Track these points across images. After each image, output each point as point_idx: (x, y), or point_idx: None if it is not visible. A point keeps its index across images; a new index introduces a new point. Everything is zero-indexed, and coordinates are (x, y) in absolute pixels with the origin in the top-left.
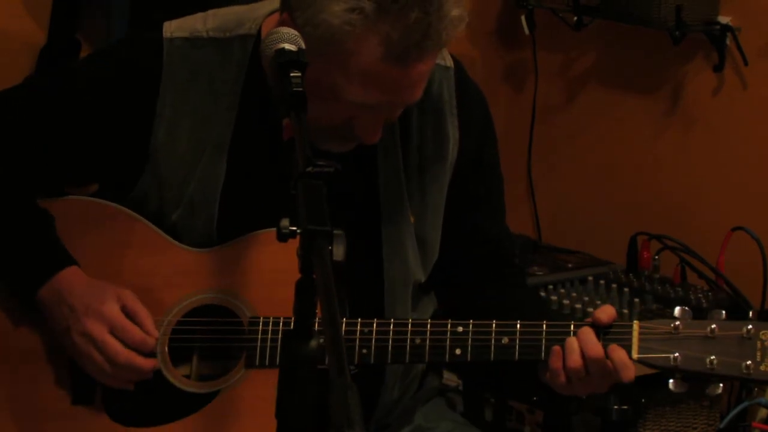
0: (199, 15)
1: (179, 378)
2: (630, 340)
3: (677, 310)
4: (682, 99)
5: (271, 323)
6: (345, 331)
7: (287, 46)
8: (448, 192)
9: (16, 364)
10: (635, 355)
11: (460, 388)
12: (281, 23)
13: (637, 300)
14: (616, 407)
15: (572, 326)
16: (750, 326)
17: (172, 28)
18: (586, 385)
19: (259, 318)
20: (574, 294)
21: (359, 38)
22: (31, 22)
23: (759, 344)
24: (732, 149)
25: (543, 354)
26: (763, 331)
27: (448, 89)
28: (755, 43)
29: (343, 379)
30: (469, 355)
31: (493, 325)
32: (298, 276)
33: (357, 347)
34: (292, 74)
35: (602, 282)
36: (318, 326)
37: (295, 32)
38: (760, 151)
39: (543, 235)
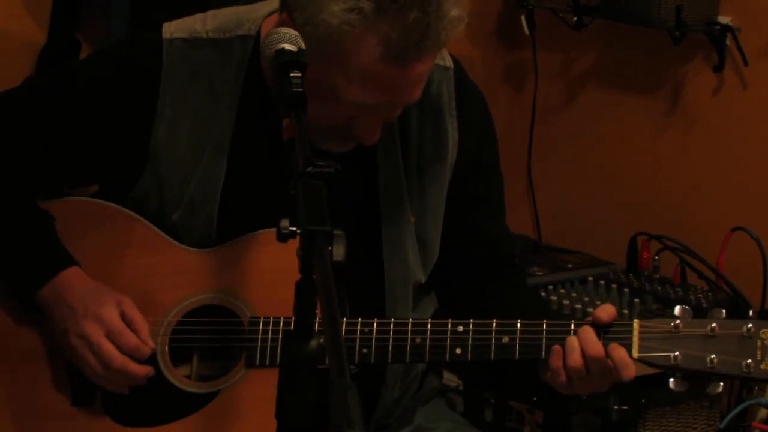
0: (199, 16)
1: (179, 378)
2: (630, 339)
3: (677, 309)
4: (682, 99)
5: (271, 323)
6: (345, 330)
7: (287, 46)
8: (448, 192)
9: (16, 365)
10: (636, 354)
11: (460, 388)
12: (281, 23)
13: (637, 300)
14: (616, 407)
15: (572, 325)
16: (750, 325)
17: (172, 29)
18: (587, 384)
19: (260, 318)
20: (574, 294)
21: (358, 38)
22: (31, 22)
23: (759, 343)
24: (732, 149)
25: (543, 353)
26: (763, 330)
27: (447, 89)
28: (755, 43)
29: (343, 379)
30: (469, 355)
31: (494, 324)
32: (298, 276)
33: (357, 347)
34: (292, 74)
35: (602, 282)
36: (318, 326)
37: (295, 32)
38: (760, 151)
39: (543, 235)
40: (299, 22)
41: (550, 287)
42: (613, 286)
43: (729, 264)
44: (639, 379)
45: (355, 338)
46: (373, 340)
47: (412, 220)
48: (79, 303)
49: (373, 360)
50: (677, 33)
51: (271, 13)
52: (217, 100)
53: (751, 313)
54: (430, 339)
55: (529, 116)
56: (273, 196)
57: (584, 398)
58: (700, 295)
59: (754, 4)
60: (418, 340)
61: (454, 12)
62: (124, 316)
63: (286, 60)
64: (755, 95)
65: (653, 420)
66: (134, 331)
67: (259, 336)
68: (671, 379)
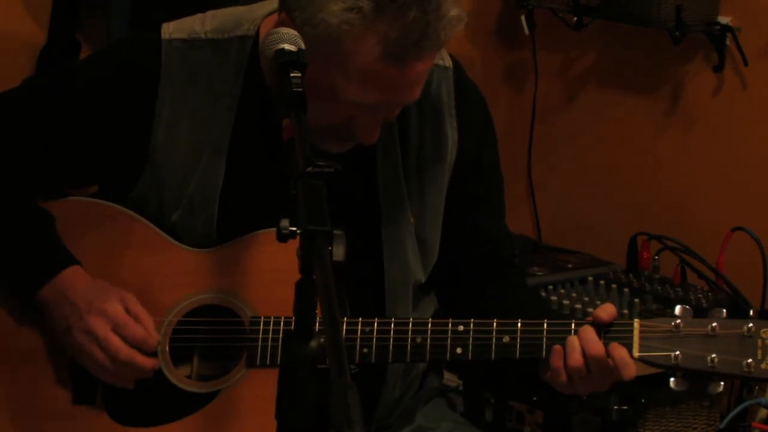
0: (198, 16)
1: (180, 378)
2: (631, 338)
3: (678, 308)
4: (682, 99)
5: (272, 323)
6: (346, 330)
7: (287, 46)
8: (448, 192)
9: (17, 364)
10: (636, 354)
11: (461, 388)
12: (280, 23)
13: (637, 300)
14: (616, 407)
15: (573, 325)
16: (751, 324)
17: (171, 29)
18: (587, 383)
19: (260, 318)
20: (574, 294)
21: (357, 37)
22: (31, 22)
23: (760, 342)
24: (732, 149)
25: (544, 353)
26: (763, 330)
27: (446, 89)
28: (755, 43)
29: (343, 379)
30: (470, 354)
31: (494, 324)
32: (298, 276)
33: (358, 346)
34: (292, 74)
35: (602, 282)
36: (318, 326)
37: (295, 32)
38: (760, 151)
39: (543, 235)
40: (298, 21)
41: (550, 287)
42: (613, 286)
43: (729, 264)
44: (639, 379)
45: (356, 338)
46: (374, 339)
47: (412, 220)
48: (82, 300)
49: (373, 360)
50: (677, 33)
51: (270, 14)
52: (216, 100)
53: (751, 312)
54: (431, 338)
55: (529, 116)
56: (272, 196)
57: (584, 398)
58: (700, 295)
59: (754, 4)
60: (418, 340)
61: (454, 12)
62: (128, 312)
63: (286, 60)
64: (755, 95)
65: (653, 420)
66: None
67: (260, 336)
68: (672, 379)
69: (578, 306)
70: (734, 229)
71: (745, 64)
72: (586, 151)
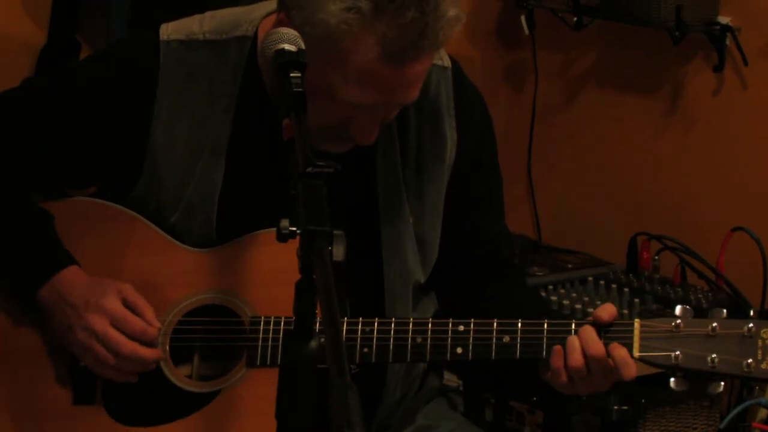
0: (196, 17)
1: (180, 377)
2: (631, 338)
3: (678, 308)
4: (682, 99)
5: (272, 323)
6: (346, 330)
7: (287, 46)
8: (447, 192)
9: (17, 364)
10: (636, 354)
11: (461, 388)
12: (278, 23)
13: (637, 300)
14: (616, 407)
15: (573, 325)
16: (751, 324)
17: (169, 30)
18: (588, 383)
19: (260, 318)
20: (574, 294)
21: (356, 37)
22: (31, 23)
23: (760, 342)
24: (732, 149)
25: (544, 353)
26: (764, 330)
27: (445, 90)
28: (755, 43)
29: (343, 379)
30: (470, 354)
31: (495, 323)
32: (298, 276)
33: (358, 346)
34: (292, 74)
35: (602, 282)
36: (318, 326)
37: (295, 32)
38: (760, 151)
39: (543, 235)
40: (297, 21)
41: (550, 287)
42: (613, 286)
43: (729, 264)
44: (639, 379)
45: (356, 338)
46: (374, 339)
47: (411, 220)
48: (80, 298)
49: (374, 359)
50: (677, 33)
51: (268, 14)
52: (214, 101)
53: (751, 312)
54: (431, 338)
55: (529, 116)
56: (271, 197)
57: (584, 398)
58: (700, 295)
59: (754, 4)
60: (419, 340)
61: (452, 12)
62: (126, 302)
63: (286, 60)
64: (755, 95)
65: (653, 420)
66: (139, 314)
67: (260, 336)
68: (672, 379)
69: (578, 306)
70: (734, 229)
71: (745, 64)
72: (586, 151)
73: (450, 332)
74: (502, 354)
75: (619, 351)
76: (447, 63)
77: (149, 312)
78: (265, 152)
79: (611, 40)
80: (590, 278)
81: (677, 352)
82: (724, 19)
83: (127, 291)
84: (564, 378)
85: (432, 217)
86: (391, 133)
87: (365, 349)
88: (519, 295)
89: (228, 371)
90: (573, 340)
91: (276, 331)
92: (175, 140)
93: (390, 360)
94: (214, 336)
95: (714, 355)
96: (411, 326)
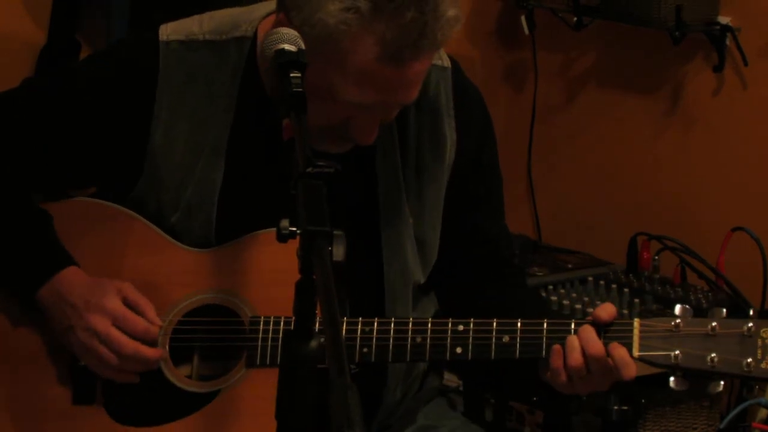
0: (196, 17)
1: (180, 377)
2: (631, 338)
3: (678, 308)
4: (682, 99)
5: (272, 323)
6: (346, 330)
7: (287, 46)
8: (447, 192)
9: (16, 365)
10: (636, 353)
11: (461, 388)
12: (278, 23)
13: (637, 300)
14: (616, 407)
15: (573, 325)
16: (751, 324)
17: (168, 31)
18: (587, 383)
19: (260, 318)
20: (574, 294)
21: (355, 37)
22: (31, 22)
23: (760, 342)
24: (732, 149)
25: (544, 352)
26: (763, 329)
27: (445, 90)
28: (755, 43)
29: (343, 379)
30: (470, 354)
31: (494, 323)
32: (298, 276)
33: (358, 346)
34: (292, 74)
35: (602, 282)
36: (318, 326)
37: (295, 33)
38: (760, 151)
39: (543, 235)
40: (296, 22)
41: (550, 287)
42: (613, 286)
43: (729, 264)
44: (639, 379)
45: (356, 338)
46: (374, 339)
47: (411, 220)
48: (80, 299)
49: (373, 359)
50: (677, 33)
51: (267, 15)
52: (214, 102)
53: (751, 312)
54: (431, 338)
55: (529, 116)
56: (271, 197)
57: (584, 398)
58: (700, 295)
59: (754, 4)
60: (418, 339)
61: (451, 12)
62: (127, 301)
63: (286, 60)
64: (755, 95)
65: (653, 420)
66: (140, 312)
67: (260, 336)
68: (672, 378)
69: (578, 306)
70: (734, 229)
71: (745, 64)
72: (586, 151)
73: (450, 332)
74: (501, 354)
75: (619, 351)
76: (446, 63)
77: (150, 311)
78: (265, 152)
79: (611, 40)
80: (590, 278)
81: (677, 352)
82: (724, 19)
83: (127, 290)
84: (564, 378)
85: (432, 218)
86: (391, 133)
87: (365, 349)
88: (519, 295)
89: (228, 371)
90: (572, 340)
91: (276, 331)
92: (175, 140)
93: (389, 360)
94: (213, 336)
95: (714, 355)
96: (410, 326)
